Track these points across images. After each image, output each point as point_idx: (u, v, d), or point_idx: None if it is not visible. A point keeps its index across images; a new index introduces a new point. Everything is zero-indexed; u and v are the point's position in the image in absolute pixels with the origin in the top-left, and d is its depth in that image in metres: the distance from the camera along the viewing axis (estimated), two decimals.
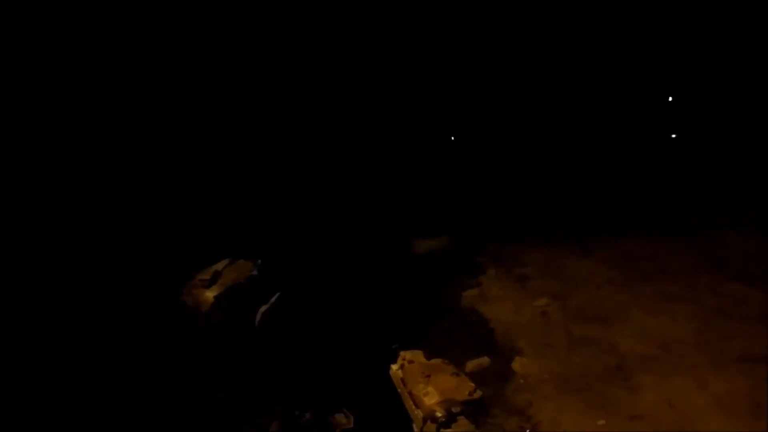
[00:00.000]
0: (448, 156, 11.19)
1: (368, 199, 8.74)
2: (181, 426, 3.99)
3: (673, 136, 11.26)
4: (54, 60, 7.74)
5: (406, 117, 11.33)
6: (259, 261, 5.80)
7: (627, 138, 11.01)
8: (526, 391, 3.95)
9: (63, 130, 7.77)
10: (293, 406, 3.98)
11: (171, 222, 7.31)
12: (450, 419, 3.19)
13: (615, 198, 8.38)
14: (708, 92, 10.80)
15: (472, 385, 3.46)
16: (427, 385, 3.41)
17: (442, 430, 3.17)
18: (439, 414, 3.20)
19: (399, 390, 3.69)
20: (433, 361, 3.76)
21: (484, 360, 4.42)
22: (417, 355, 3.84)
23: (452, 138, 12.18)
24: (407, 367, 3.68)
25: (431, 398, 3.30)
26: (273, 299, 5.41)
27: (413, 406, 3.42)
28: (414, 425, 3.41)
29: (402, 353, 3.88)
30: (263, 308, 5.29)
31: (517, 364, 4.29)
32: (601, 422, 3.52)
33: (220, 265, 5.59)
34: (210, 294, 5.27)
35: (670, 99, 11.62)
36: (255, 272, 5.66)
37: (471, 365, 4.37)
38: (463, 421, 3.21)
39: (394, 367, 3.83)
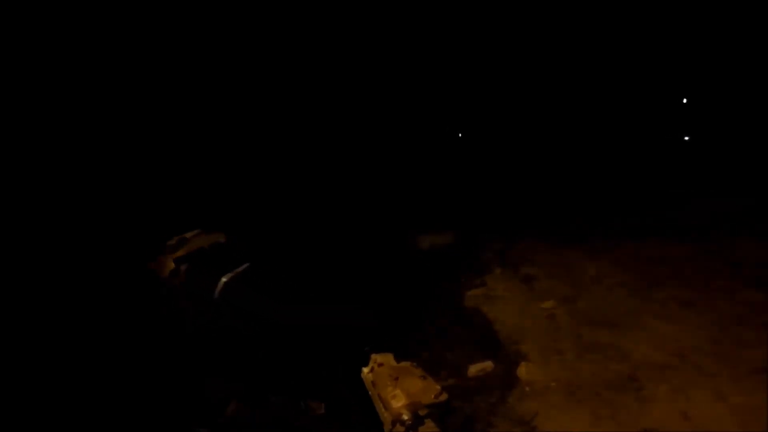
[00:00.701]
0: (455, 152, 11.03)
1: (372, 192, 8.55)
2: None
3: (686, 138, 11.04)
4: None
5: (412, 112, 11.19)
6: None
7: (638, 139, 10.82)
8: (532, 400, 3.73)
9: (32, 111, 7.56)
10: (259, 389, 3.81)
11: (169, 205, 7.14)
12: (416, 422, 3.23)
13: (624, 199, 8.15)
14: (721, 94, 10.58)
15: (438, 387, 3.51)
16: (395, 388, 3.45)
17: None
18: (405, 417, 3.24)
19: (370, 392, 3.71)
20: (402, 364, 3.79)
21: (488, 364, 4.22)
22: (387, 358, 3.85)
23: (459, 134, 12.05)
24: (377, 370, 3.70)
25: (398, 401, 3.35)
26: (240, 269, 5.11)
27: (383, 409, 3.45)
28: (384, 428, 3.41)
29: (373, 356, 3.86)
30: (225, 278, 5.01)
31: (522, 370, 4.07)
32: None
33: (189, 234, 5.38)
34: (170, 259, 5.05)
35: (684, 101, 11.41)
36: (222, 240, 5.39)
37: (473, 369, 4.18)
38: (429, 423, 3.23)
39: (365, 370, 3.83)
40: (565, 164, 10.05)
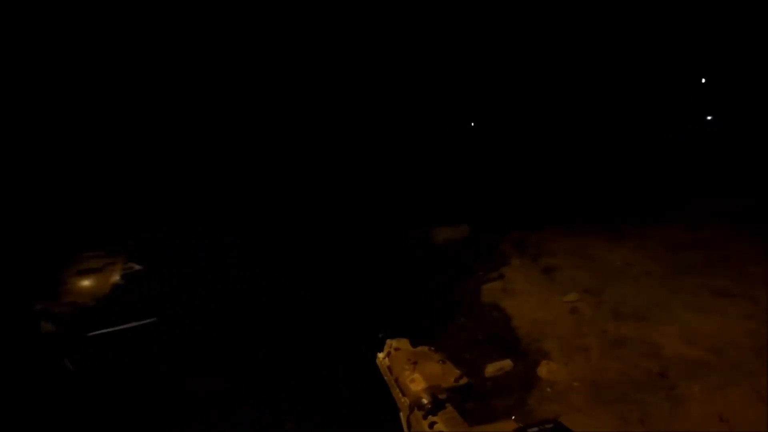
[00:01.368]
0: (468, 142, 10.81)
1: (384, 187, 8.40)
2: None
3: (709, 117, 10.72)
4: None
5: (425, 103, 11.06)
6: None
7: (660, 126, 10.46)
8: (553, 401, 3.54)
9: None
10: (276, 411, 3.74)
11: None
12: (436, 406, 3.09)
13: (649, 181, 7.77)
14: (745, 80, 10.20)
15: (458, 371, 3.36)
16: (413, 372, 3.34)
17: (429, 417, 3.04)
18: (425, 400, 3.13)
19: (386, 378, 3.59)
20: (419, 348, 3.66)
21: (506, 363, 4.03)
22: (403, 343, 3.72)
23: (472, 124, 11.85)
24: (393, 355, 3.59)
25: (417, 385, 3.24)
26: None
27: (400, 394, 3.33)
28: (401, 414, 3.31)
29: (389, 341, 3.75)
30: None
31: (543, 369, 3.86)
32: None
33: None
34: None
35: (703, 81, 11.13)
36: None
37: (491, 369, 4.00)
38: (449, 408, 3.08)
39: (380, 355, 3.72)
40: (580, 150, 9.73)
